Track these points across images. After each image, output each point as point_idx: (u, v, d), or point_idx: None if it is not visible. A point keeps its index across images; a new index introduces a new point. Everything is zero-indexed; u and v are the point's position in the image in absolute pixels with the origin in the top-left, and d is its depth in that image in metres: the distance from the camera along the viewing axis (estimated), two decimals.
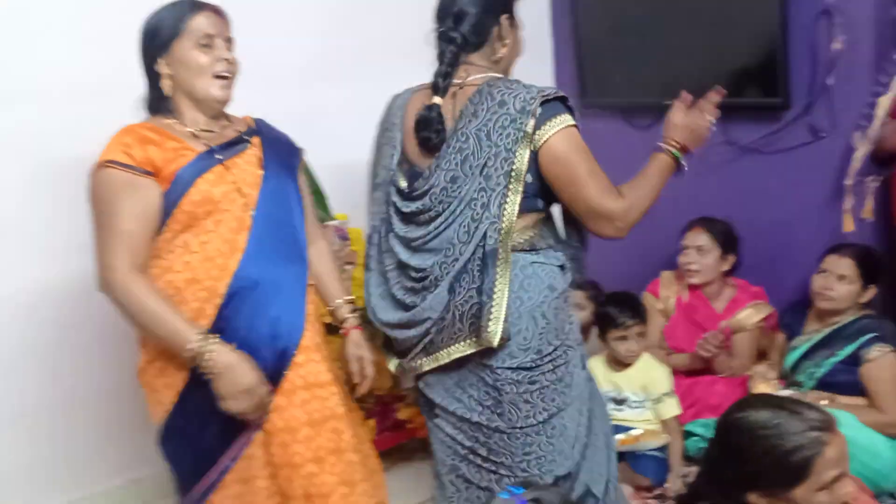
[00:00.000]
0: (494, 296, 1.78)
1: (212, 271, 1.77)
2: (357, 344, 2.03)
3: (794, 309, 2.84)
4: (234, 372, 1.70)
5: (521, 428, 1.91)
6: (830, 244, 2.72)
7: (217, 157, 1.81)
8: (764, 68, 2.89)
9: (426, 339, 1.91)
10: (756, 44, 2.90)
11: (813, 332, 2.72)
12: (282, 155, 1.95)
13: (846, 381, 2.59)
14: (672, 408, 2.74)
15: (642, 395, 2.76)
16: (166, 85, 1.80)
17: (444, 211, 1.83)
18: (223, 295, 1.77)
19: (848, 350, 2.60)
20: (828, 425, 1.46)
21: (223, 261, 1.78)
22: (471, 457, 1.98)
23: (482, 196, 1.78)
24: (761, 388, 2.66)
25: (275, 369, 1.80)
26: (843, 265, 2.62)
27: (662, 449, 2.74)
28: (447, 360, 1.91)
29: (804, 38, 2.80)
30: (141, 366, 1.86)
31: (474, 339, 1.84)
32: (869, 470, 2.41)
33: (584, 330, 2.78)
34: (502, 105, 1.76)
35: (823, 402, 2.48)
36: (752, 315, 2.96)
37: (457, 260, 1.82)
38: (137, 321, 1.72)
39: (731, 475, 1.50)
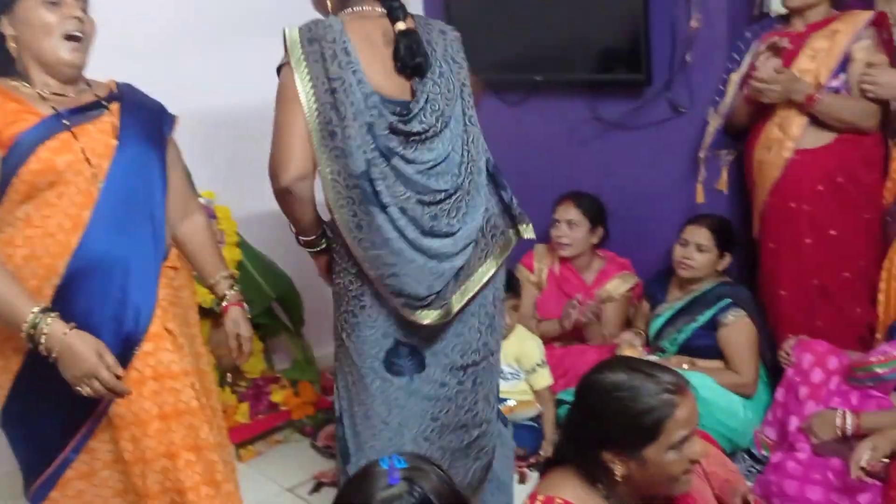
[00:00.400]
0: (512, 196, 1.96)
1: (51, 248, 1.64)
2: (235, 321, 1.93)
3: (658, 278, 2.95)
4: (72, 353, 1.55)
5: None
6: (690, 215, 2.84)
7: (64, 122, 1.66)
8: (627, 46, 2.96)
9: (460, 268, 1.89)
10: (620, 22, 2.97)
11: (675, 300, 2.83)
12: (146, 123, 1.80)
13: (705, 346, 2.72)
14: (545, 378, 2.80)
15: (516, 367, 2.81)
16: (12, 47, 1.66)
17: (443, 129, 1.85)
18: (62, 274, 1.64)
19: (707, 316, 2.72)
20: (679, 388, 1.51)
21: (64, 237, 1.64)
22: (452, 399, 1.95)
23: (475, 112, 1.92)
24: (628, 354, 2.75)
25: (119, 357, 1.64)
26: (700, 235, 2.74)
27: (536, 419, 2.80)
28: (477, 288, 1.90)
29: (665, 17, 2.88)
30: None
31: (500, 246, 1.93)
32: (726, 428, 2.54)
33: None
34: (443, 33, 1.91)
35: (684, 366, 2.60)
36: (619, 285, 3.06)
37: (472, 174, 1.88)
38: None
39: (588, 434, 1.53)
